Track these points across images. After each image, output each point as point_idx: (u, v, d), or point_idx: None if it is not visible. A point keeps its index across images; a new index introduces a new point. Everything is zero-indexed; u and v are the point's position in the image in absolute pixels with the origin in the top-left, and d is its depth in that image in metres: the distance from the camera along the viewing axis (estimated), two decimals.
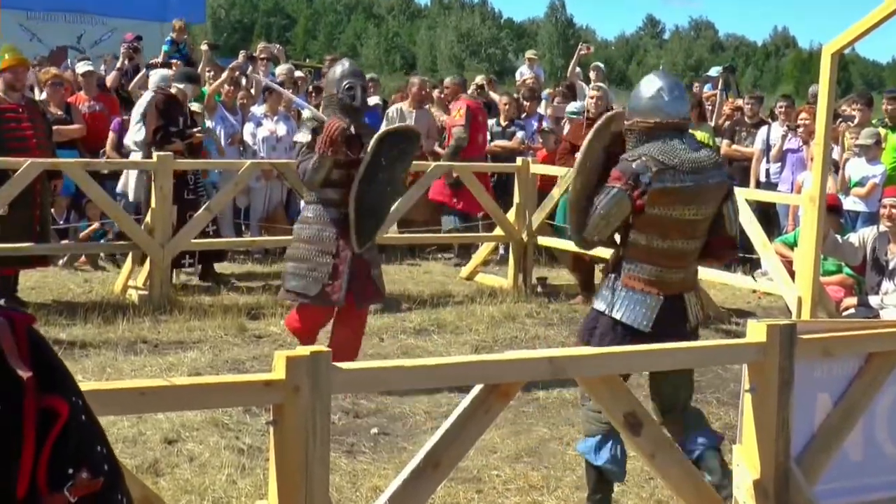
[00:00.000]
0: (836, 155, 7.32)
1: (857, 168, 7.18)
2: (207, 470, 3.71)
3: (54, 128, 6.90)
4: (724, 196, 3.35)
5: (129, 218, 6.63)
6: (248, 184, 7.62)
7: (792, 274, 5.31)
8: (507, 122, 8.79)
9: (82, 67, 8.41)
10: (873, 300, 5.08)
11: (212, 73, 8.88)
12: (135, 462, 3.70)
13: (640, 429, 2.82)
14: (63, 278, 7.06)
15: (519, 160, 7.49)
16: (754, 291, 7.20)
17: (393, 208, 7.06)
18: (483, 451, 3.98)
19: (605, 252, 6.70)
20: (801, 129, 8.00)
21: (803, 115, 8.14)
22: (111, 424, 3.92)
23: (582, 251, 3.79)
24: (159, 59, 9.18)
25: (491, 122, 8.83)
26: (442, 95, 9.39)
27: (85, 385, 1.81)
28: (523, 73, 11.32)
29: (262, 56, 9.95)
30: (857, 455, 3.18)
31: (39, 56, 10.34)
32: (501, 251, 8.16)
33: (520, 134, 8.73)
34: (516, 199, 7.36)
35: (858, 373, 3.14)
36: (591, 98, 7.16)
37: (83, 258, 7.53)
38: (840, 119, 7.79)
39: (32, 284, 6.74)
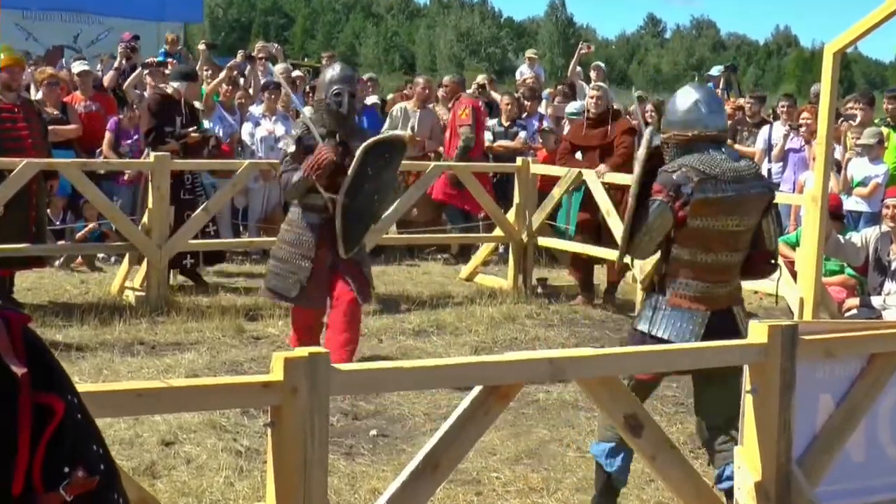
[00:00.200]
0: (838, 155, 7.30)
1: (859, 168, 7.16)
2: (205, 472, 3.69)
3: (50, 128, 6.88)
4: (765, 207, 3.33)
5: (125, 218, 6.60)
6: (247, 184, 7.60)
7: (794, 274, 5.29)
8: (509, 123, 8.77)
9: (78, 67, 8.38)
10: (876, 301, 5.06)
11: (209, 72, 8.85)
12: (131, 464, 3.68)
13: (641, 430, 2.80)
14: (59, 279, 7.03)
15: (519, 160, 7.47)
16: (756, 292, 7.17)
17: (392, 209, 7.08)
18: (482, 452, 3.95)
19: (605, 253, 6.75)
20: (802, 129, 7.98)
21: (805, 114, 8.11)
22: (108, 426, 3.89)
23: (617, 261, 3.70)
24: (155, 59, 9.15)
25: (493, 122, 8.82)
26: (443, 94, 9.37)
27: (81, 386, 1.78)
28: (523, 72, 11.30)
29: (260, 55, 9.92)
30: (859, 456, 3.16)
31: (35, 55, 10.30)
32: (501, 251, 8.14)
33: (522, 134, 8.71)
34: (516, 199, 7.34)
35: (861, 374, 3.12)
36: (592, 98, 7.13)
37: (79, 259, 7.50)
38: (842, 118, 7.76)
39: (29, 285, 6.71)
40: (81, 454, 1.12)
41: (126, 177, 7.78)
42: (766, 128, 8.62)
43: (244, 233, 8.24)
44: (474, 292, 7.03)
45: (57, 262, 7.33)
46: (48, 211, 6.79)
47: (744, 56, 57.82)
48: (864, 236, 5.32)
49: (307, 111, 4.95)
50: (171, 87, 7.09)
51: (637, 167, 3.38)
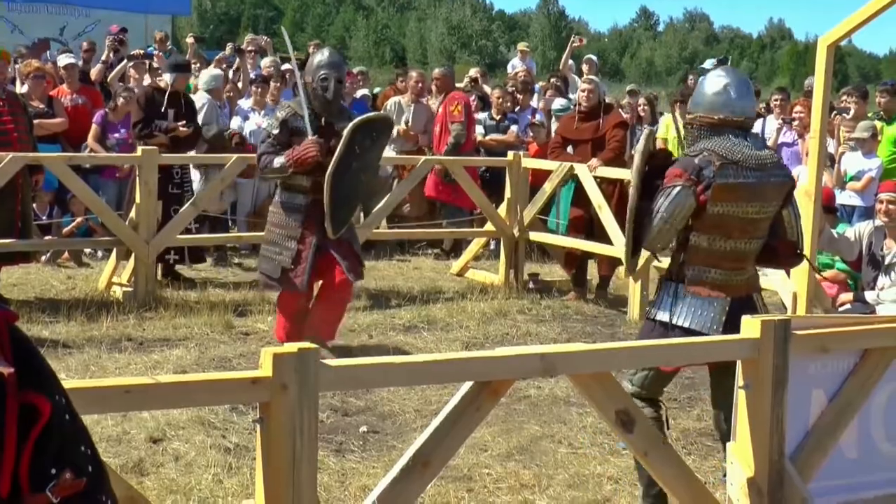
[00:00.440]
0: (831, 148, 7.28)
1: (852, 162, 7.15)
2: (193, 469, 3.66)
3: (36, 122, 6.81)
4: (785, 196, 3.31)
5: (113, 213, 6.54)
6: (235, 178, 7.53)
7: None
8: (500, 116, 8.74)
9: (64, 60, 8.29)
10: (869, 296, 5.05)
11: (198, 65, 8.78)
12: (119, 461, 3.65)
13: (633, 426, 2.78)
14: (46, 275, 6.96)
15: (510, 154, 7.44)
16: None
17: (383, 203, 7.06)
18: (474, 449, 3.93)
19: (596, 247, 6.73)
20: (796, 123, 7.95)
21: (798, 108, 8.08)
22: (95, 423, 3.86)
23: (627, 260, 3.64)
24: (140, 52, 9.07)
25: (483, 115, 8.79)
26: (435, 88, 9.32)
27: (68, 383, 1.75)
28: (515, 65, 11.27)
29: (249, 49, 9.85)
30: (852, 452, 3.15)
31: (21, 48, 10.19)
32: (492, 246, 8.11)
33: (514, 127, 8.68)
34: (508, 193, 7.30)
35: (854, 369, 3.10)
36: (583, 91, 7.09)
37: (66, 254, 7.43)
38: (835, 112, 7.74)
39: (14, 281, 6.65)
40: (69, 455, 1.11)
41: (118, 174, 7.71)
42: (759, 121, 8.60)
43: (233, 227, 8.18)
44: (465, 287, 7.00)
45: (43, 258, 7.26)
46: (34, 206, 6.72)
47: (737, 49, 57.84)
48: (858, 231, 5.31)
49: (301, 95, 4.98)
50: (164, 79, 7.03)
51: (637, 159, 3.32)
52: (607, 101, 7.51)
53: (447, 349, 5.31)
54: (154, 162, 6.31)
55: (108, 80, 8.63)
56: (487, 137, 8.66)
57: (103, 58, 9.18)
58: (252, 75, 8.97)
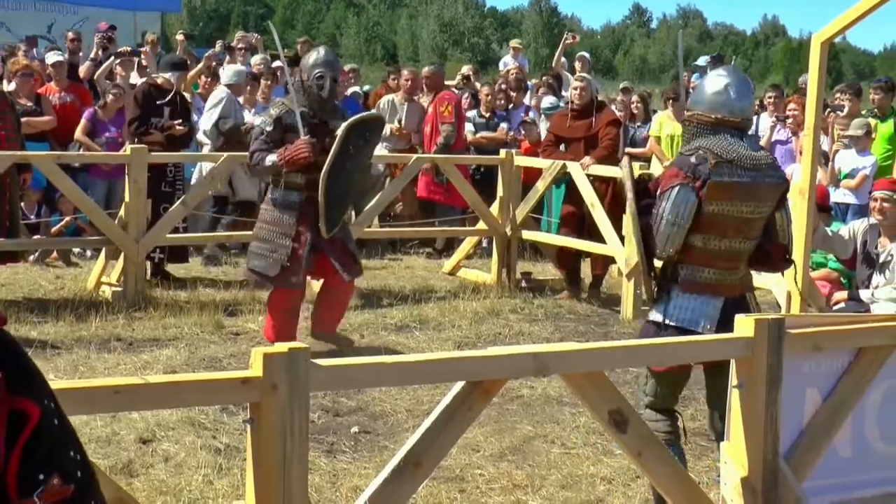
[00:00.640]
0: (825, 146, 7.27)
1: (847, 159, 7.14)
2: (183, 470, 3.63)
3: (24, 119, 6.76)
4: (780, 197, 3.31)
5: (102, 212, 6.49)
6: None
7: None
8: (489, 114, 8.71)
9: (52, 58, 8.22)
10: (864, 294, 5.04)
11: (189, 63, 8.70)
12: (108, 462, 3.62)
13: (626, 426, 2.76)
14: (34, 275, 6.90)
15: (502, 152, 7.41)
16: None
17: (374, 202, 7.02)
18: (466, 449, 3.91)
19: (589, 246, 6.71)
20: (790, 120, 7.94)
21: (792, 105, 8.07)
22: (84, 424, 3.83)
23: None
24: (128, 49, 9.00)
25: (473, 112, 8.76)
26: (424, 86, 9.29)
27: (56, 384, 1.72)
28: (507, 62, 11.24)
29: (239, 46, 9.79)
30: (846, 451, 3.14)
31: (8, 45, 10.10)
32: (485, 245, 8.09)
33: (504, 125, 8.66)
34: (500, 192, 7.28)
35: (848, 368, 3.10)
36: (576, 89, 7.07)
37: (55, 254, 7.37)
38: (829, 109, 7.73)
39: (2, 281, 6.60)
40: (57, 460, 1.10)
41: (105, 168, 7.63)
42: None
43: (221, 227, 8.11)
44: (457, 286, 6.98)
45: (31, 257, 7.20)
46: (22, 205, 6.66)
47: (731, 46, 57.81)
48: (852, 229, 5.30)
49: (292, 92, 4.97)
50: (162, 77, 6.98)
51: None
52: (600, 98, 7.49)
53: (439, 349, 5.29)
54: (143, 160, 6.26)
55: (96, 77, 8.56)
56: (477, 135, 8.64)
57: (92, 55, 9.11)
58: None
